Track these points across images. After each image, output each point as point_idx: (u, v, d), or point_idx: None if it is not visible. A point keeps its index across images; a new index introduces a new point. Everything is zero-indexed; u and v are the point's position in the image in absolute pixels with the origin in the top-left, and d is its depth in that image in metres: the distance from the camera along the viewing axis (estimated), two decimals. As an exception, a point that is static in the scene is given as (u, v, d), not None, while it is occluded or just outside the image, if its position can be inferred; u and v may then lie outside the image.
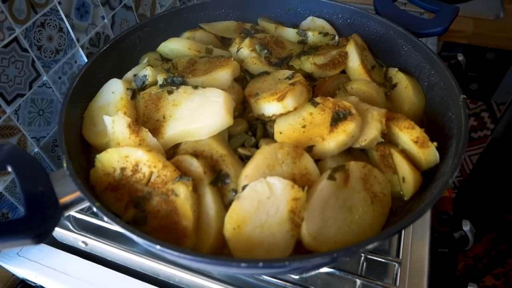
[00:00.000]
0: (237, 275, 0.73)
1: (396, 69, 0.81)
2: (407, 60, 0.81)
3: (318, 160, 0.62)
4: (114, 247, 0.76)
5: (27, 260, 0.80)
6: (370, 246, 0.48)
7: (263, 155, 0.59)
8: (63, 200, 0.54)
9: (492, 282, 1.84)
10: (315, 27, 0.92)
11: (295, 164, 0.59)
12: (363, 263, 0.69)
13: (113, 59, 0.80)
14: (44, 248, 0.82)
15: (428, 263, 0.71)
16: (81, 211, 0.76)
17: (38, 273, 0.78)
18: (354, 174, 0.59)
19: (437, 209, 0.98)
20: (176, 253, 0.47)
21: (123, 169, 0.59)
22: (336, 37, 0.88)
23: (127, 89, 0.71)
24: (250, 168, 0.58)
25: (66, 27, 0.82)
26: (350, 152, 0.66)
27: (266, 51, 0.80)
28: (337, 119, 0.63)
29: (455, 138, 0.62)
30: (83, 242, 0.78)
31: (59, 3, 0.79)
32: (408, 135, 0.64)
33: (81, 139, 0.70)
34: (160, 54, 0.85)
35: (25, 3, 0.72)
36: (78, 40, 0.86)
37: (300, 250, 0.54)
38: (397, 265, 0.68)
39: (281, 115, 0.67)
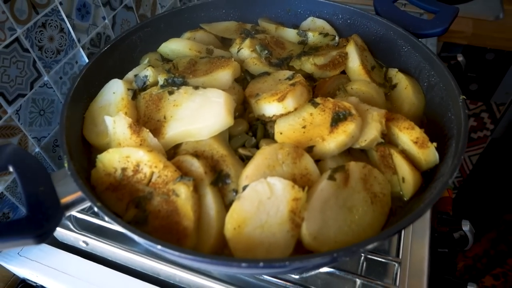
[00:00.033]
0: (237, 275, 0.73)
1: (396, 69, 0.81)
2: (407, 60, 0.82)
3: (318, 161, 0.63)
4: (114, 247, 0.76)
5: (28, 260, 0.81)
6: (370, 246, 0.49)
7: (263, 156, 0.59)
8: (64, 200, 0.54)
9: (491, 282, 1.84)
10: (315, 27, 0.92)
11: (295, 165, 0.60)
12: (363, 263, 0.70)
13: (113, 59, 0.80)
14: (45, 248, 0.82)
15: (428, 263, 0.71)
16: (82, 211, 0.77)
17: (39, 273, 0.79)
18: (354, 174, 0.59)
19: (437, 209, 0.98)
20: (177, 253, 0.47)
21: (124, 169, 0.59)
22: (336, 38, 0.88)
23: (128, 89, 0.71)
24: (251, 168, 0.58)
25: (67, 27, 0.82)
26: (350, 152, 0.66)
27: (266, 51, 0.80)
28: (337, 119, 0.64)
29: (454, 138, 0.62)
30: (84, 242, 0.79)
31: (60, 3, 0.79)
32: (408, 136, 0.65)
33: (82, 139, 0.70)
34: (160, 55, 0.85)
35: (26, 3, 0.72)
36: (79, 41, 0.86)
37: (300, 250, 0.55)
38: (397, 265, 0.69)
39: (282, 115, 0.67)
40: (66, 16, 0.81)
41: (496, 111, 1.69)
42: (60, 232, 0.80)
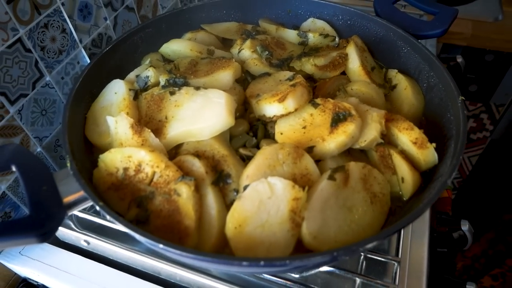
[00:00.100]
0: (238, 274, 0.74)
1: (396, 70, 0.82)
2: (407, 61, 0.82)
3: (318, 161, 0.63)
4: (116, 246, 0.76)
5: (30, 259, 0.81)
6: (369, 245, 0.49)
7: (264, 156, 0.60)
8: (67, 199, 0.54)
9: (490, 283, 1.85)
10: (315, 28, 0.93)
11: (295, 165, 0.60)
12: (362, 262, 0.70)
13: (115, 60, 0.81)
14: (46, 247, 0.83)
15: (427, 263, 0.72)
16: (83, 210, 0.77)
17: (41, 272, 0.79)
18: (354, 174, 0.60)
19: (436, 209, 0.99)
20: (178, 252, 0.47)
21: (126, 169, 0.60)
22: (337, 39, 0.89)
23: (130, 89, 0.71)
24: (251, 168, 0.59)
25: (69, 28, 0.83)
26: (350, 152, 0.67)
27: (267, 52, 0.80)
28: (337, 120, 0.64)
29: (453, 139, 0.63)
30: (85, 241, 0.79)
31: (63, 4, 0.80)
32: (407, 136, 0.65)
33: (84, 139, 0.70)
34: (162, 55, 0.86)
35: (29, 4, 0.72)
36: (80, 41, 0.86)
37: (300, 249, 0.55)
38: (396, 264, 0.69)
39: (282, 116, 0.68)
40: (68, 17, 0.82)
41: (495, 112, 1.70)
42: (61, 231, 0.80)
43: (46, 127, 0.82)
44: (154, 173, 0.58)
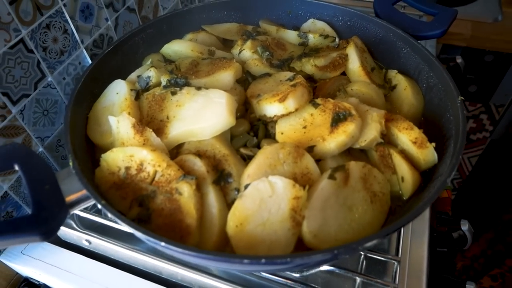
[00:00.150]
0: (239, 273, 0.74)
1: (396, 71, 0.82)
2: (406, 62, 0.83)
3: (318, 160, 0.64)
4: (117, 245, 0.77)
5: (31, 259, 0.81)
6: (369, 244, 0.50)
7: (265, 155, 0.60)
8: (69, 198, 0.55)
9: (489, 283, 1.85)
10: (315, 29, 0.93)
11: (296, 164, 0.60)
12: (363, 262, 0.71)
13: (116, 60, 0.81)
14: (48, 246, 0.83)
15: (427, 262, 0.72)
16: (85, 210, 0.78)
17: (42, 271, 0.79)
18: (354, 173, 0.60)
19: (436, 209, 0.99)
20: (180, 250, 0.48)
21: (127, 168, 0.60)
22: (337, 40, 0.90)
23: (131, 90, 0.72)
24: (252, 167, 0.59)
25: (71, 28, 0.83)
26: (350, 152, 0.67)
27: (267, 53, 0.81)
28: (337, 120, 0.65)
29: (453, 138, 0.63)
30: (86, 240, 0.79)
31: (64, 5, 0.80)
32: (407, 136, 0.66)
33: (85, 139, 0.71)
34: (163, 56, 0.86)
35: (31, 5, 0.73)
36: (82, 42, 0.87)
37: (301, 248, 0.55)
38: (396, 263, 0.69)
39: (283, 116, 0.68)
40: (70, 18, 0.82)
41: (495, 112, 1.70)
42: (63, 231, 0.81)
43: (48, 127, 0.83)
44: (155, 172, 0.59)
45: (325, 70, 0.80)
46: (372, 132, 0.64)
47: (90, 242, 0.80)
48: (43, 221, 0.50)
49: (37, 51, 0.76)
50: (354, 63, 0.80)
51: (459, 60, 1.30)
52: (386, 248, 0.76)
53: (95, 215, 0.77)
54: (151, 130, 0.63)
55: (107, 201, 0.54)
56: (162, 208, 0.57)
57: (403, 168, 0.64)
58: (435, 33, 0.81)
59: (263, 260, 0.46)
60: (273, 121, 0.69)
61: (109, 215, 0.52)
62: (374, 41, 0.88)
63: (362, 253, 0.71)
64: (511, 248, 1.96)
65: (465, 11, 1.39)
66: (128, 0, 0.98)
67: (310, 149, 0.63)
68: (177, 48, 0.83)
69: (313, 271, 0.69)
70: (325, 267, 0.68)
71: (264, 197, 0.55)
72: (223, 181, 0.61)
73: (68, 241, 0.83)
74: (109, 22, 0.94)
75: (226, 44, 0.94)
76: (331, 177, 0.58)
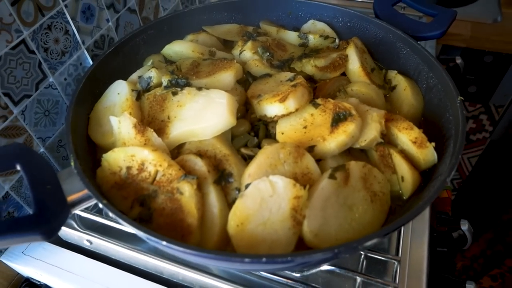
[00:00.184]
0: (240, 273, 0.74)
1: (395, 71, 0.83)
2: (406, 62, 0.83)
3: (319, 160, 0.64)
4: (118, 245, 0.77)
5: (32, 259, 0.81)
6: (370, 243, 0.50)
7: (265, 155, 0.60)
8: (71, 198, 0.55)
9: (489, 283, 1.85)
10: (316, 30, 0.93)
11: (296, 164, 0.61)
12: (363, 261, 0.71)
13: (117, 61, 0.82)
14: (49, 246, 0.83)
15: (427, 261, 0.72)
16: (86, 210, 0.78)
17: (43, 272, 0.79)
18: (354, 173, 0.61)
19: (436, 209, 0.99)
20: (181, 249, 0.48)
21: (129, 168, 0.60)
22: (337, 40, 0.90)
23: (132, 90, 0.72)
24: (253, 167, 0.59)
25: (72, 29, 0.84)
26: (350, 152, 0.68)
27: (268, 53, 0.81)
28: (337, 120, 0.65)
29: (452, 138, 0.63)
30: (87, 240, 0.79)
31: (66, 6, 0.80)
32: (407, 136, 0.66)
33: (86, 139, 0.71)
34: (164, 56, 0.87)
35: (33, 6, 0.73)
36: (83, 43, 0.87)
37: (301, 248, 0.56)
38: (396, 263, 0.70)
39: (283, 116, 0.68)
40: (71, 19, 0.83)
41: (494, 113, 1.70)
42: (64, 231, 0.81)
43: (49, 128, 0.83)
44: (157, 172, 0.59)
45: (325, 71, 0.80)
46: (372, 132, 0.65)
47: (91, 242, 0.80)
48: (45, 220, 0.51)
49: (39, 52, 0.77)
50: (354, 64, 0.81)
51: (458, 60, 1.31)
52: (386, 248, 0.76)
53: (96, 215, 0.77)
54: (152, 130, 0.64)
55: (108, 201, 0.55)
56: (163, 208, 0.57)
57: (403, 167, 0.65)
58: (435, 34, 0.82)
59: (264, 259, 0.47)
60: (274, 121, 0.70)
61: (111, 214, 0.52)
62: (374, 42, 0.88)
63: (362, 252, 0.71)
64: (511, 248, 1.97)
65: (465, 12, 1.40)
66: (129, 1, 0.99)
67: (311, 149, 0.63)
68: (178, 48, 0.83)
69: (314, 270, 0.69)
70: (325, 267, 0.68)
71: (265, 196, 0.56)
72: (224, 180, 0.61)
73: (69, 241, 0.83)
74: (110, 23, 0.94)
75: (227, 45, 0.94)
76: (332, 176, 0.59)
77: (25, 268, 0.81)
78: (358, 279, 0.69)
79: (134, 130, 0.64)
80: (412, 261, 0.72)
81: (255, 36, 0.89)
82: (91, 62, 0.90)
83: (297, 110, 0.68)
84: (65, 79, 0.85)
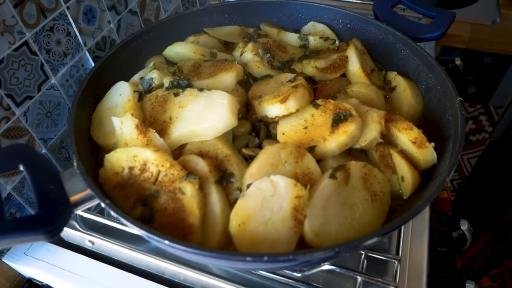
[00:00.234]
0: (241, 273, 0.74)
1: (395, 72, 0.83)
2: (406, 64, 0.84)
3: (319, 160, 0.64)
4: (120, 246, 0.77)
5: (34, 259, 0.82)
6: (370, 242, 0.50)
7: (266, 155, 0.61)
8: (74, 198, 0.55)
9: (489, 283, 1.86)
10: (316, 32, 0.94)
11: (297, 164, 0.61)
12: (363, 261, 0.71)
13: (119, 62, 0.82)
14: (51, 247, 0.83)
15: (427, 261, 0.73)
16: (88, 211, 0.78)
17: (45, 272, 0.80)
18: (355, 173, 0.61)
19: (436, 209, 1.00)
20: (183, 248, 0.48)
21: (131, 168, 0.61)
22: (337, 42, 0.90)
23: (134, 91, 0.73)
24: (254, 167, 0.60)
25: (74, 31, 0.84)
26: (351, 152, 0.68)
27: (268, 55, 0.82)
28: (338, 120, 0.65)
29: (452, 138, 0.64)
30: (90, 241, 0.80)
31: (68, 8, 0.81)
32: (407, 136, 0.66)
33: (89, 140, 0.71)
34: (165, 58, 0.87)
35: (35, 7, 0.74)
36: (85, 44, 0.88)
37: (302, 247, 0.56)
38: (396, 262, 0.70)
39: (284, 116, 0.69)
40: (73, 20, 0.83)
41: (494, 113, 1.71)
42: (66, 232, 0.81)
43: (51, 129, 0.84)
44: (159, 172, 0.60)
45: (325, 72, 0.81)
46: (372, 132, 0.65)
47: (93, 243, 0.80)
48: (48, 220, 0.51)
49: (41, 54, 0.77)
50: (354, 65, 0.81)
51: (458, 62, 1.31)
52: (387, 248, 0.76)
53: (98, 216, 0.78)
54: (154, 130, 0.64)
55: (111, 201, 0.55)
56: (165, 208, 0.58)
57: (403, 167, 0.65)
58: (434, 35, 0.82)
59: (265, 258, 0.47)
60: (275, 121, 0.70)
61: (113, 214, 0.53)
62: (373, 43, 0.89)
63: (363, 252, 0.71)
64: (510, 248, 1.97)
65: (464, 14, 1.41)
66: (130, 3, 1.00)
67: (311, 149, 0.64)
68: (180, 50, 0.84)
69: (314, 270, 0.69)
70: (326, 266, 0.68)
71: (266, 196, 0.56)
72: (225, 181, 0.62)
73: (71, 242, 0.84)
74: (111, 25, 0.95)
75: (228, 46, 0.95)
76: (332, 176, 0.59)
77: (27, 268, 0.81)
78: (359, 278, 0.69)
79: (136, 130, 0.64)
80: (412, 260, 0.73)
81: (256, 37, 0.90)
82: (92, 64, 0.91)
83: (297, 110, 0.69)
84: (67, 80, 0.85)
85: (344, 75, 0.84)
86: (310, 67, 0.80)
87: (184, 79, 0.71)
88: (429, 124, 0.75)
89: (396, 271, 0.70)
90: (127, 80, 0.78)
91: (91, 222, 0.80)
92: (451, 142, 0.64)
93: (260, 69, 0.80)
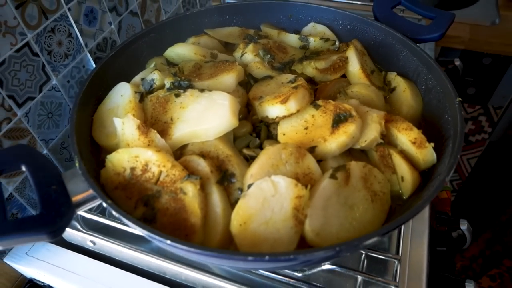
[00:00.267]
0: (242, 272, 0.75)
1: (395, 73, 0.83)
2: (405, 64, 0.84)
3: (320, 160, 0.65)
4: (121, 246, 0.78)
5: (36, 260, 0.82)
6: (370, 241, 0.51)
7: (267, 155, 0.61)
8: (76, 198, 0.56)
9: (488, 283, 1.86)
10: (316, 33, 0.95)
11: (298, 164, 0.62)
12: (364, 260, 0.72)
13: (120, 63, 0.82)
14: (52, 247, 0.84)
15: (426, 260, 0.73)
16: (89, 211, 0.78)
17: (47, 273, 0.80)
18: (355, 173, 0.61)
19: (436, 209, 1.00)
20: (185, 248, 0.49)
21: (133, 169, 0.61)
22: (337, 43, 0.91)
23: (136, 92, 0.73)
24: (255, 167, 0.60)
25: (75, 32, 0.85)
26: (351, 152, 0.68)
27: (269, 56, 0.82)
28: (338, 121, 0.66)
29: (451, 139, 0.64)
30: (91, 241, 0.80)
31: (69, 9, 0.81)
32: (407, 136, 0.67)
33: (90, 140, 0.72)
34: (166, 59, 0.88)
35: (37, 9, 0.74)
36: (86, 45, 0.88)
37: (303, 246, 0.56)
38: (396, 262, 0.70)
39: (284, 117, 0.69)
40: (74, 22, 0.84)
41: (493, 114, 1.72)
42: (67, 232, 0.82)
43: (52, 130, 0.84)
44: (160, 172, 0.60)
45: (325, 73, 0.81)
46: (372, 133, 0.66)
47: (94, 243, 0.81)
48: (51, 220, 0.51)
49: (42, 55, 0.78)
50: (354, 66, 0.82)
51: (457, 62, 1.32)
52: (387, 247, 0.77)
53: (100, 216, 0.78)
54: (155, 131, 0.64)
55: (113, 201, 0.55)
56: (167, 208, 0.58)
57: (402, 168, 0.66)
58: (434, 36, 0.83)
59: (267, 257, 0.47)
60: (275, 122, 0.70)
61: (116, 214, 0.53)
62: (373, 44, 0.89)
63: (363, 252, 0.72)
64: (509, 248, 1.98)
65: (463, 15, 1.41)
66: (131, 4, 1.00)
67: (312, 150, 0.64)
68: (180, 51, 0.84)
69: (315, 270, 0.70)
70: (326, 266, 0.69)
71: (267, 196, 0.57)
72: (226, 181, 0.62)
73: (72, 242, 0.84)
74: (112, 26, 0.95)
75: (228, 47, 0.95)
76: (333, 176, 0.60)
77: (28, 269, 0.81)
78: (359, 278, 0.69)
79: (138, 131, 0.64)
80: (412, 260, 0.73)
81: (256, 38, 0.90)
82: (93, 65, 0.91)
83: (298, 111, 0.69)
84: (68, 81, 0.86)
85: (344, 76, 0.84)
86: (310, 68, 0.81)
87: (185, 80, 0.72)
88: (428, 125, 0.75)
89: (396, 270, 0.70)
90: (128, 81, 0.78)
91: (92, 222, 0.80)
92: (450, 142, 0.64)
93: (260, 70, 0.80)
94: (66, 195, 0.55)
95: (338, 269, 0.69)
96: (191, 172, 0.61)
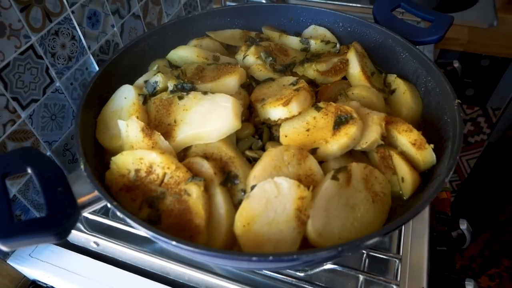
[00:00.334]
0: (244, 273, 0.76)
1: (395, 75, 0.84)
2: (405, 67, 0.85)
3: (321, 162, 0.65)
4: (125, 247, 0.78)
5: (39, 261, 0.82)
6: (371, 241, 0.51)
7: (270, 157, 0.62)
8: (81, 200, 0.56)
9: (487, 283, 1.87)
10: (317, 35, 0.95)
11: (300, 166, 0.62)
12: (365, 260, 0.72)
13: (123, 66, 0.83)
14: (56, 249, 0.84)
15: (427, 260, 0.74)
16: (93, 212, 0.79)
17: (50, 274, 0.80)
18: (356, 174, 0.62)
19: (436, 209, 1.01)
20: (190, 248, 0.49)
21: (137, 171, 0.62)
22: (337, 45, 0.92)
23: (139, 94, 0.73)
24: (258, 169, 0.61)
25: (79, 35, 0.85)
26: (352, 154, 0.69)
27: (271, 58, 0.83)
28: (339, 123, 0.67)
29: (450, 140, 0.65)
30: (94, 242, 0.81)
31: (73, 12, 0.82)
32: (407, 138, 0.68)
33: (94, 143, 0.72)
34: (168, 61, 0.88)
35: (41, 12, 0.75)
36: (89, 48, 0.89)
37: (306, 247, 0.57)
38: (397, 261, 0.71)
39: (286, 119, 0.70)
40: (78, 24, 0.84)
41: (492, 115, 1.73)
42: (71, 233, 0.82)
43: (56, 132, 0.85)
44: (164, 174, 0.61)
45: (326, 75, 0.82)
46: (373, 134, 0.66)
47: (98, 244, 0.81)
48: (57, 222, 0.52)
49: (46, 57, 0.78)
50: (355, 68, 0.83)
51: (456, 64, 1.32)
52: (388, 247, 0.78)
53: (103, 217, 0.79)
54: (159, 133, 0.65)
55: (118, 203, 0.56)
56: (171, 209, 0.59)
57: (403, 169, 0.66)
58: (433, 39, 0.84)
59: (270, 258, 0.48)
60: (277, 124, 0.71)
61: (120, 216, 0.54)
62: (373, 47, 0.90)
63: (364, 251, 0.73)
64: (507, 248, 1.99)
65: (462, 17, 1.42)
66: (133, 7, 1.01)
67: (313, 151, 0.65)
68: (183, 54, 0.85)
69: (317, 269, 0.70)
70: (328, 266, 0.69)
71: (270, 197, 0.57)
72: (229, 182, 0.63)
73: (76, 243, 0.84)
74: (115, 29, 0.96)
75: (230, 50, 0.96)
76: (334, 178, 0.60)
77: (32, 270, 0.82)
78: (361, 277, 0.70)
79: (142, 133, 0.65)
80: (413, 259, 0.74)
81: (258, 41, 0.91)
82: (96, 67, 0.92)
83: (300, 113, 0.70)
84: (71, 83, 0.86)
85: (345, 78, 0.85)
86: (311, 70, 0.82)
87: (188, 82, 0.72)
88: (428, 126, 0.76)
89: (397, 269, 0.71)
90: (131, 83, 0.79)
91: (95, 223, 0.80)
92: (449, 143, 0.65)
93: (262, 72, 0.81)
94: (72, 197, 0.56)
95: (340, 269, 0.70)
96: (195, 174, 0.61)
